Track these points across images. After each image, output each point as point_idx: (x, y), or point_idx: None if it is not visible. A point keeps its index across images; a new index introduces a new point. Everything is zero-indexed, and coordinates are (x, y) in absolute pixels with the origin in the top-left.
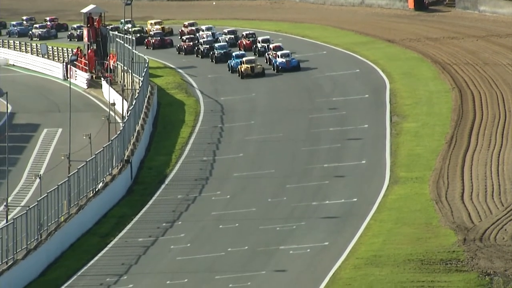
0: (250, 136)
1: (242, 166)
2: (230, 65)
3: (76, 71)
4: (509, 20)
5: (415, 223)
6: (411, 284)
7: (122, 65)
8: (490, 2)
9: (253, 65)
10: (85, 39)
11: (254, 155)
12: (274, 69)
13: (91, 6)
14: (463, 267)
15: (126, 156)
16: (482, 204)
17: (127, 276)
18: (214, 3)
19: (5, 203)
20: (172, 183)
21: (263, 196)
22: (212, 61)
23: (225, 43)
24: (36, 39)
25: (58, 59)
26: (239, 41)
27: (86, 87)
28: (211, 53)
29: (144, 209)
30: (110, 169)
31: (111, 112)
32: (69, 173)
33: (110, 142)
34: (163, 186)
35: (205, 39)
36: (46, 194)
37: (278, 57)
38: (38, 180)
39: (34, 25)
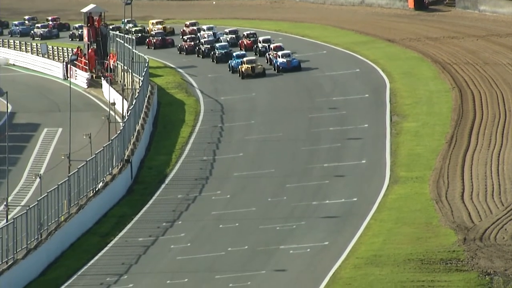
0: (250, 136)
1: (242, 165)
2: (230, 65)
3: (76, 70)
4: (509, 19)
5: (415, 223)
6: (411, 283)
7: (122, 65)
8: (490, 2)
9: (254, 65)
10: (85, 38)
11: (254, 154)
12: (274, 69)
13: (91, 6)
14: (463, 266)
15: (126, 155)
16: (482, 204)
17: (127, 276)
18: (214, 2)
19: (5, 203)
20: (172, 182)
21: (263, 195)
22: (213, 61)
23: (226, 43)
24: (38, 38)
25: (58, 59)
26: (240, 41)
27: (86, 86)
28: (212, 53)
29: (144, 208)
30: (110, 169)
31: (111, 112)
32: (69, 173)
33: (110, 141)
34: (163, 185)
35: (206, 39)
36: (46, 194)
37: (279, 57)
38: (38, 179)
39: (36, 25)
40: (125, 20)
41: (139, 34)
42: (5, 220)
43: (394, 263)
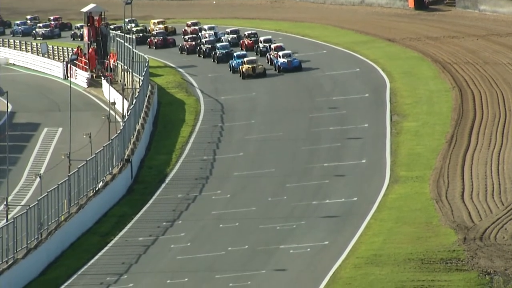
0: (250, 135)
1: (242, 165)
2: (231, 66)
3: (76, 70)
4: (509, 19)
5: (415, 222)
6: (411, 283)
7: (123, 64)
8: (490, 2)
9: (255, 65)
10: (85, 38)
11: (254, 154)
12: (275, 70)
13: (91, 5)
14: (463, 266)
15: (126, 155)
16: (482, 203)
17: (127, 275)
18: (214, 2)
19: (5, 202)
20: (172, 182)
21: (263, 195)
22: (213, 61)
23: (227, 43)
24: (39, 38)
25: (59, 58)
26: (241, 41)
27: (86, 86)
28: (213, 53)
29: (145, 208)
30: (110, 168)
31: (111, 111)
32: (69, 172)
33: (110, 141)
34: (163, 185)
35: (207, 39)
36: (46, 193)
37: (280, 57)
38: (38, 179)
39: (38, 24)
40: (127, 20)
41: (141, 34)
42: (5, 220)
43: (394, 263)
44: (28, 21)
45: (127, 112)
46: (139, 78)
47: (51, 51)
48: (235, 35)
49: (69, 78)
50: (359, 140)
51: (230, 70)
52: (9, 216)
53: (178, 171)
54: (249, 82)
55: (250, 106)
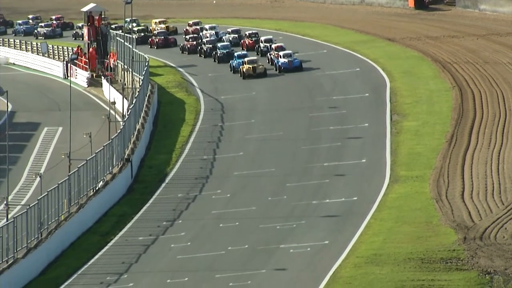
0: (250, 135)
1: (242, 164)
2: (232, 65)
3: (76, 69)
4: (509, 19)
5: (415, 222)
6: (411, 282)
7: (123, 64)
8: (490, 1)
9: (255, 65)
10: (85, 37)
11: (254, 153)
12: (276, 70)
13: (91, 5)
14: (463, 265)
15: (126, 154)
16: (482, 203)
17: (127, 275)
18: (214, 1)
19: (5, 202)
20: (172, 181)
21: (263, 194)
22: (214, 60)
23: (228, 43)
24: (41, 38)
25: (59, 58)
26: (242, 41)
27: (87, 85)
28: (214, 52)
29: (145, 207)
30: (110, 168)
31: (111, 111)
32: (69, 172)
33: (110, 140)
34: (163, 184)
35: (208, 39)
36: (46, 193)
37: (280, 57)
38: (38, 178)
39: (40, 24)
40: (128, 20)
41: (142, 34)
42: (5, 219)
43: (394, 262)
44: (30, 21)
45: (127, 112)
46: (139, 78)
47: (51, 51)
48: (236, 35)
49: (69, 78)
50: (359, 139)
51: (231, 70)
52: (9, 216)
53: (178, 171)
54: (249, 81)
55: (250, 105)
